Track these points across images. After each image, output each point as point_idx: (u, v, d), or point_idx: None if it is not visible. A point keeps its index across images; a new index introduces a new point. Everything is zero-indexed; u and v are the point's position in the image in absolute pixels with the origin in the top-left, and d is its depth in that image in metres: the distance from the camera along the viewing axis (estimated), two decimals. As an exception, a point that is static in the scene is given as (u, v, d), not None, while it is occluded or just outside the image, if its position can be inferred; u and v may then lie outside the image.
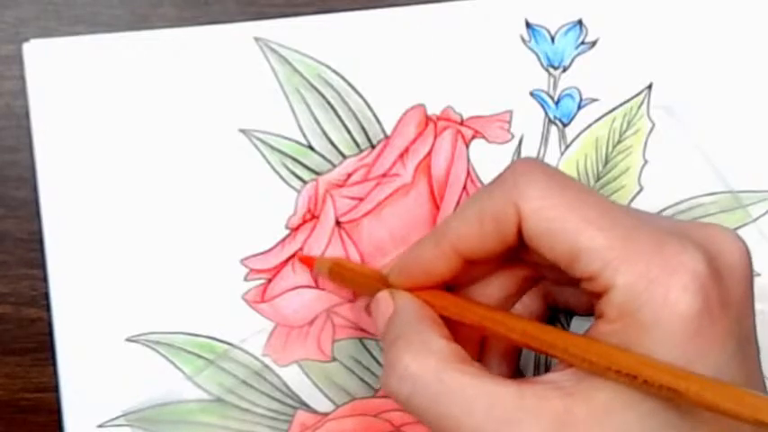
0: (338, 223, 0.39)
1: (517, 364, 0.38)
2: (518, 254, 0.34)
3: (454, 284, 0.36)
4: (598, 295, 0.31)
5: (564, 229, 0.31)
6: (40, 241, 0.39)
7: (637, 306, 0.29)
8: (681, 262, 0.29)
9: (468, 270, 0.34)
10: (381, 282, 0.36)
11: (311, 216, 0.39)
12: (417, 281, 0.35)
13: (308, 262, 0.39)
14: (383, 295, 0.35)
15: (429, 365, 0.31)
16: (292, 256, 0.39)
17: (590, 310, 0.33)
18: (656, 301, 0.29)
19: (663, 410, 0.29)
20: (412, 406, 0.32)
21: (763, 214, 0.40)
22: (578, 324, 0.40)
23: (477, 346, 0.37)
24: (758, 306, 0.32)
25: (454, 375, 0.31)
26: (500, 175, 0.33)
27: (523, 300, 0.37)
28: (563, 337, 0.31)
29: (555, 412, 0.30)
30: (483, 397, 0.30)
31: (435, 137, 0.40)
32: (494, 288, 0.36)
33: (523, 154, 0.40)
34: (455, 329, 0.34)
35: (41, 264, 0.39)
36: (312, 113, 0.39)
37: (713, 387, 0.28)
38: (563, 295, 0.37)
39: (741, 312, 0.31)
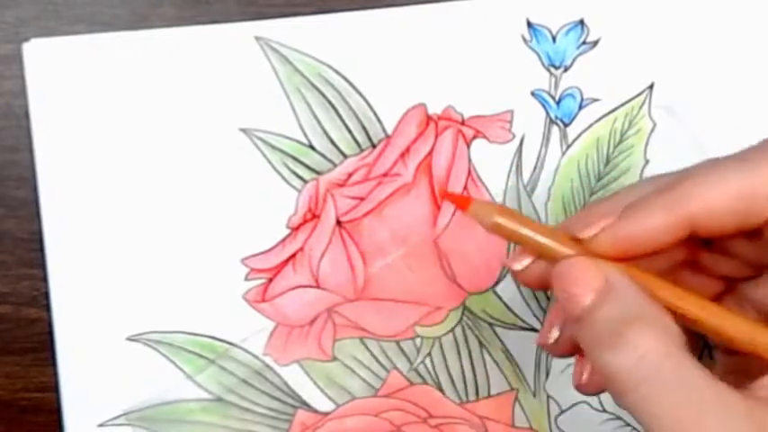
0: (339, 223, 0.39)
1: None
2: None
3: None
4: None
5: None
6: (40, 241, 0.38)
7: None
8: None
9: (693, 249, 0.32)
10: (570, 245, 0.32)
11: (312, 215, 0.39)
12: (631, 252, 0.31)
13: (460, 201, 0.35)
14: (586, 264, 0.31)
15: (672, 352, 0.28)
16: (293, 256, 0.39)
17: None
18: None
19: None
20: (638, 391, 0.28)
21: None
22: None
23: None
24: None
25: (694, 371, 0.28)
26: (763, 150, 0.30)
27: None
28: None
29: None
30: (717, 404, 0.28)
31: (436, 136, 0.40)
32: (661, 261, 0.33)
33: (524, 154, 0.40)
34: None
35: (41, 264, 0.39)
36: (313, 113, 0.39)
37: None
38: (755, 298, 0.34)
39: None
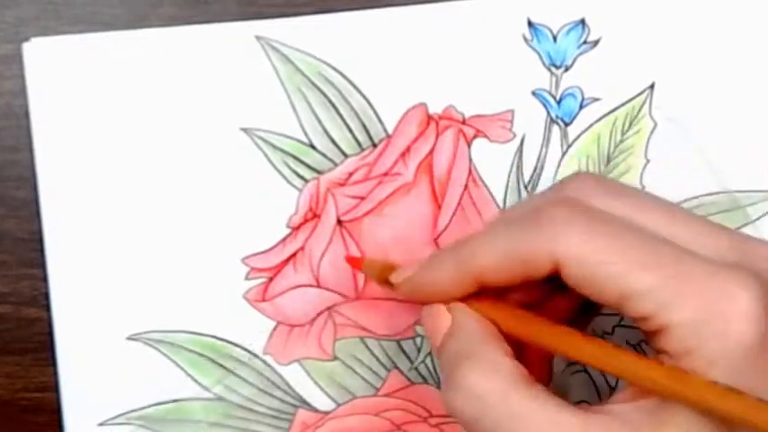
0: (339, 222, 0.39)
1: (550, 367, 0.37)
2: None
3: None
4: (653, 333, 0.30)
5: (609, 273, 0.30)
6: (40, 241, 0.38)
7: (698, 342, 0.29)
8: (736, 292, 0.29)
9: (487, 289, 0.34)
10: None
11: (312, 215, 0.39)
12: (428, 299, 0.34)
13: (355, 263, 0.39)
14: (439, 309, 0.34)
15: (497, 387, 0.31)
16: (293, 255, 0.39)
17: None
18: (718, 334, 0.29)
19: None
20: (476, 427, 0.31)
21: (763, 215, 0.41)
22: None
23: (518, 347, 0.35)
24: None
25: (521, 400, 0.30)
26: (536, 215, 0.31)
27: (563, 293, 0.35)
28: (635, 362, 0.30)
29: None
30: (549, 426, 0.30)
31: (437, 136, 0.40)
32: (522, 294, 0.35)
33: (525, 153, 0.40)
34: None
35: (41, 264, 0.39)
36: (314, 112, 0.39)
37: None
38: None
39: None
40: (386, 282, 0.37)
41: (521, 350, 0.34)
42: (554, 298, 0.35)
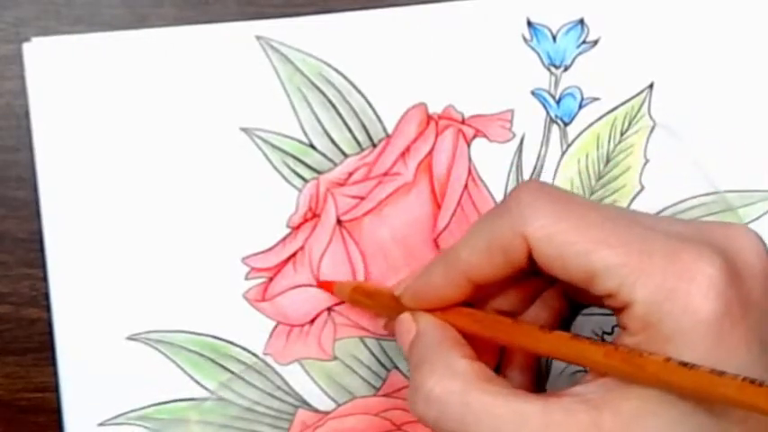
0: (339, 222, 0.39)
1: (538, 372, 0.38)
2: (532, 269, 0.34)
3: (470, 301, 0.35)
4: (619, 310, 0.31)
5: (575, 252, 0.31)
6: (40, 241, 0.38)
7: (658, 318, 0.29)
8: (698, 268, 0.29)
9: (482, 290, 0.35)
10: (402, 304, 0.36)
11: (312, 215, 0.39)
12: (430, 305, 0.35)
13: (327, 287, 0.39)
14: (405, 318, 0.36)
15: (454, 389, 0.31)
16: (293, 255, 0.39)
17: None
18: (677, 311, 0.29)
19: (693, 414, 0.29)
20: (439, 428, 0.32)
21: (763, 215, 0.41)
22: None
23: (497, 356, 0.37)
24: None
25: (479, 397, 0.31)
26: (505, 203, 0.33)
27: (544, 296, 0.36)
28: (592, 347, 0.31)
29: (581, 426, 0.29)
30: (510, 416, 0.30)
31: (437, 136, 0.40)
32: (511, 299, 0.36)
33: (525, 153, 0.40)
34: (476, 343, 0.34)
35: (41, 264, 0.38)
36: (313, 112, 0.39)
37: (748, 387, 0.27)
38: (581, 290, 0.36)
39: (763, 312, 0.30)
40: (357, 302, 0.39)
41: (506, 357, 0.36)
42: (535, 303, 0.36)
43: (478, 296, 0.35)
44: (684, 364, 0.29)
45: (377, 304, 0.39)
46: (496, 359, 0.36)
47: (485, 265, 0.33)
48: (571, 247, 0.31)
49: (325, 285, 0.39)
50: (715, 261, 0.30)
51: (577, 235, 0.31)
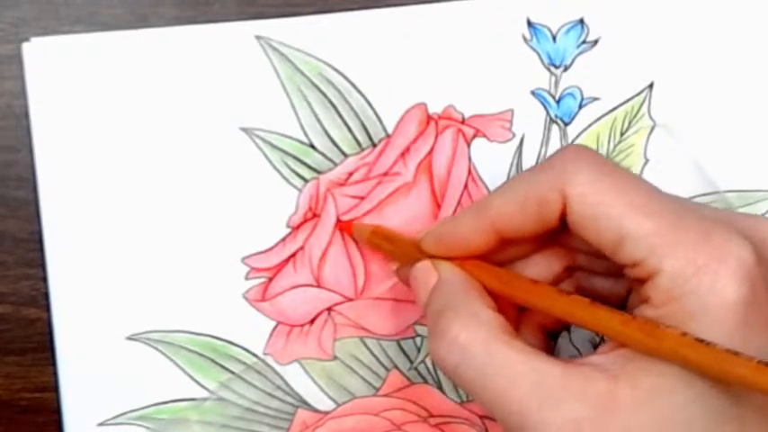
0: (339, 222, 0.39)
1: (549, 337, 0.38)
2: (556, 239, 0.34)
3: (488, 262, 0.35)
4: (642, 281, 0.31)
5: (610, 214, 0.31)
6: (40, 241, 0.38)
7: (683, 292, 0.29)
8: (728, 250, 0.30)
9: (504, 247, 0.35)
10: (422, 251, 0.36)
11: (312, 215, 0.39)
12: (451, 251, 0.35)
13: (346, 227, 0.39)
14: (425, 265, 0.35)
15: (478, 337, 0.31)
16: (293, 255, 0.39)
17: (620, 301, 0.33)
18: (704, 289, 0.29)
19: (710, 396, 0.29)
20: (458, 375, 0.32)
21: (763, 215, 0.41)
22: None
23: (514, 317, 0.36)
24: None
25: (502, 348, 0.31)
26: (548, 160, 0.33)
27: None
28: (610, 316, 0.31)
29: (599, 394, 0.30)
30: (530, 373, 0.31)
31: (436, 136, 0.40)
32: (529, 272, 0.36)
33: (525, 153, 0.40)
34: (494, 300, 0.34)
35: (41, 264, 0.39)
36: (313, 112, 0.39)
37: (764, 369, 0.28)
38: (594, 287, 0.36)
39: None
40: (375, 245, 0.39)
41: (516, 320, 0.36)
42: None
43: (499, 258, 0.35)
44: (701, 341, 0.29)
45: (396, 248, 0.38)
46: (514, 320, 0.36)
47: (516, 216, 0.33)
48: (606, 208, 0.31)
49: (343, 226, 0.39)
50: (744, 245, 0.30)
51: (615, 198, 0.31)
